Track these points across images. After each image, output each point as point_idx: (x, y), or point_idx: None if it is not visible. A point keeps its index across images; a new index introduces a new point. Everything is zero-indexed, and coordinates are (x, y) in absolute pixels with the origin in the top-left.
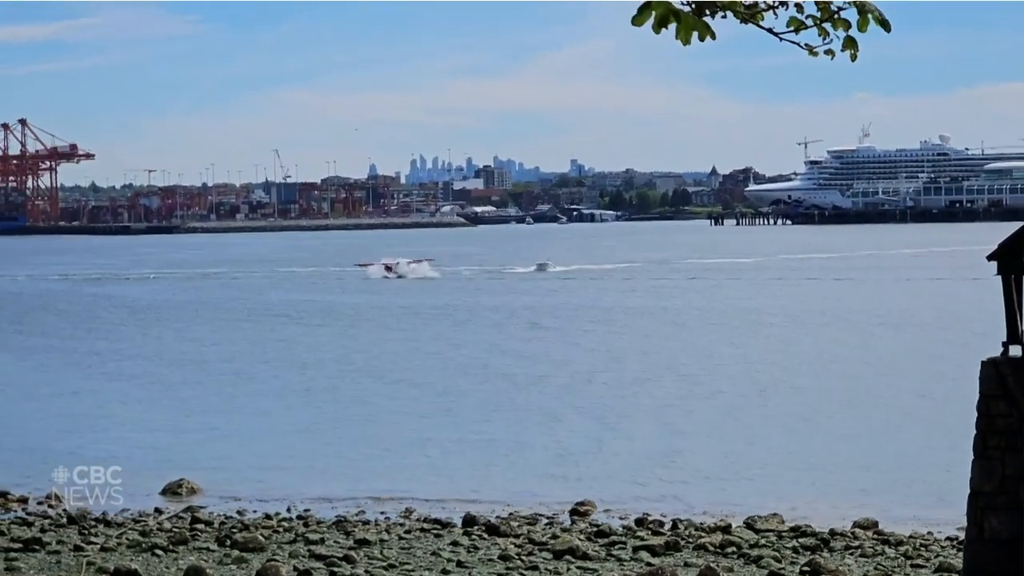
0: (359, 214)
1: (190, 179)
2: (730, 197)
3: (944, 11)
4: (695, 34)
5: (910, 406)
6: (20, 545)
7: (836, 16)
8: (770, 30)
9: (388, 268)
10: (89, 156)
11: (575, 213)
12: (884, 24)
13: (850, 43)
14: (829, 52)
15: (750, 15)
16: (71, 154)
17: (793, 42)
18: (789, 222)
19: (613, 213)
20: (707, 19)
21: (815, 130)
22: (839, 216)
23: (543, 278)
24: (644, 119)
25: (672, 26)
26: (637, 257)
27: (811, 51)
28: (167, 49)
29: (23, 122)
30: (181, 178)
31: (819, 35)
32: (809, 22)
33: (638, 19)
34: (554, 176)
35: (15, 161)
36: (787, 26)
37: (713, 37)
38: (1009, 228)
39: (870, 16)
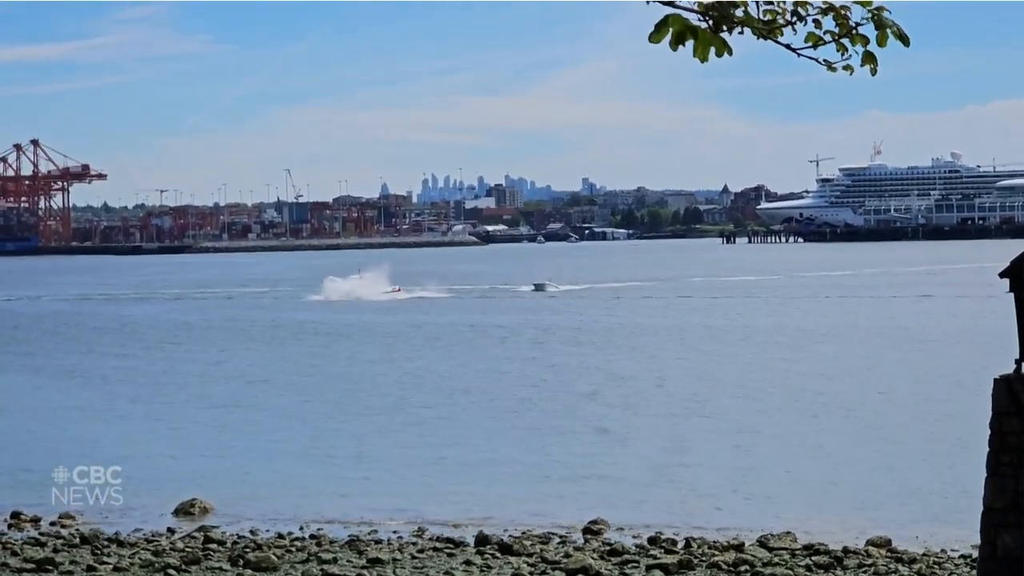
0: (371, 233)
1: (202, 199)
2: (742, 215)
3: (955, 28)
4: (712, 50)
5: (924, 424)
6: (33, 566)
7: (855, 32)
8: (788, 46)
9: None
10: (101, 176)
11: (587, 231)
12: (903, 39)
13: (869, 58)
14: (848, 68)
15: (768, 31)
16: (83, 174)
17: (812, 58)
18: (801, 240)
19: (625, 231)
20: (724, 35)
21: (827, 148)
22: (851, 234)
23: (543, 297)
24: (655, 137)
25: (689, 43)
26: (643, 275)
27: (830, 67)
28: (179, 68)
29: (35, 142)
30: (193, 198)
31: (837, 50)
32: (827, 38)
33: (656, 36)
34: (565, 195)
35: (27, 181)
36: (805, 42)
37: (730, 53)
38: (1021, 245)
39: (889, 31)
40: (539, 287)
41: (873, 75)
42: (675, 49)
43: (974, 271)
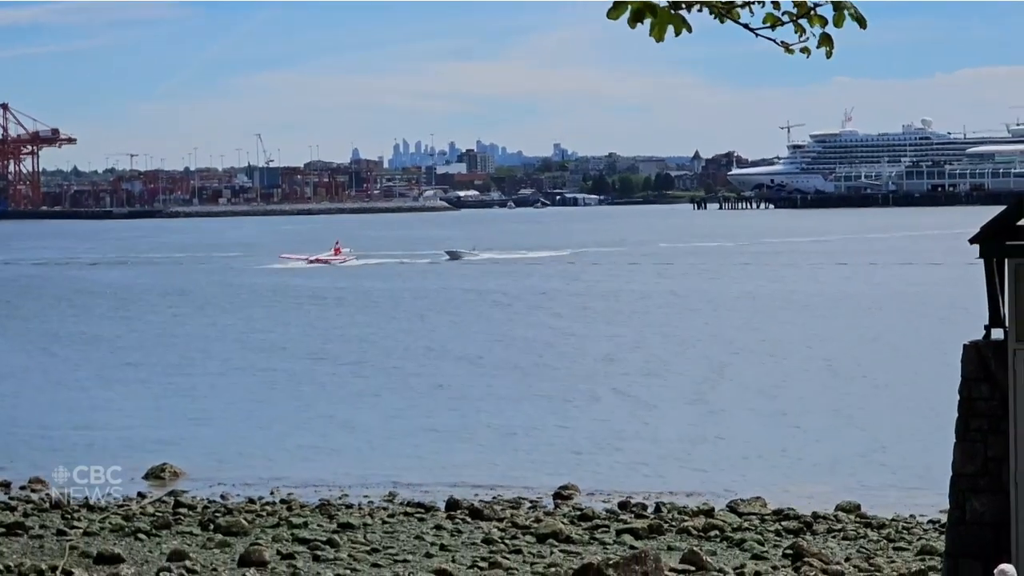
0: (342, 198)
1: (172, 163)
2: (713, 181)
3: None
4: (671, 29)
5: (893, 390)
6: (3, 530)
7: (812, 13)
8: (746, 26)
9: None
10: (71, 140)
11: (558, 197)
12: (860, 21)
13: (826, 40)
14: (805, 50)
15: (726, 11)
16: (53, 139)
17: (769, 39)
18: (772, 206)
19: (596, 197)
20: (683, 12)
21: (797, 114)
22: (822, 200)
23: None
24: (627, 104)
25: (649, 21)
26: (591, 241)
27: (787, 48)
28: (149, 33)
29: (4, 107)
30: (163, 163)
31: (795, 32)
32: (785, 18)
33: (613, 13)
34: (537, 160)
35: None
36: (763, 22)
37: (689, 31)
38: (991, 212)
39: (846, 12)
40: (453, 255)
41: (828, 57)
42: (633, 27)
43: (944, 237)
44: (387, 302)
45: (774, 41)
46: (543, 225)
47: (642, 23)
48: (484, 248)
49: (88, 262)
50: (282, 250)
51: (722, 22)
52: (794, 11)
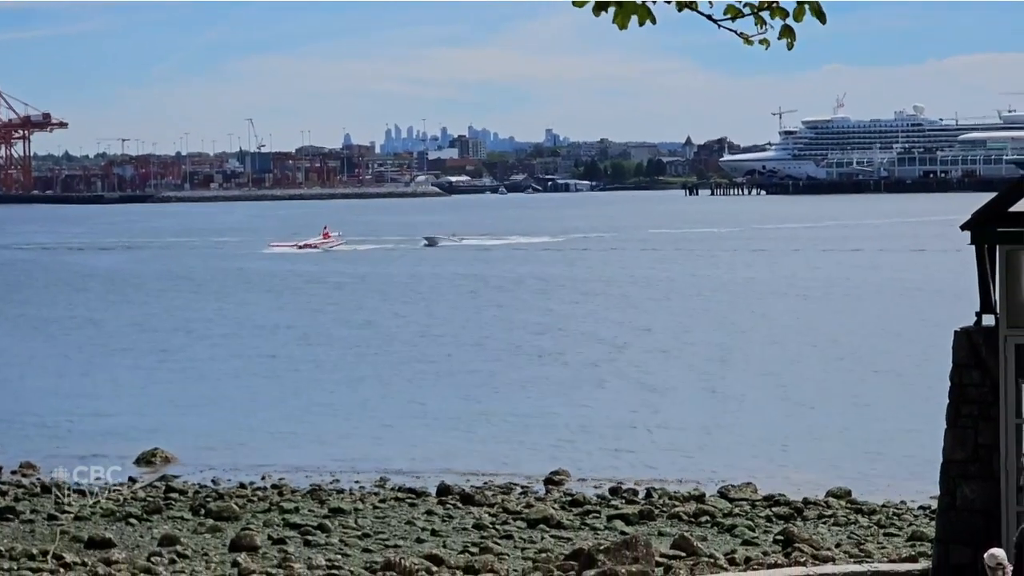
0: (333, 184)
1: (164, 148)
2: (705, 167)
3: None
4: (635, 18)
5: (883, 376)
6: None
7: (774, 4)
8: (709, 16)
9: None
10: (63, 125)
11: (549, 183)
12: (820, 16)
13: (787, 32)
14: (764, 42)
15: (687, 1)
16: (44, 123)
17: (730, 29)
18: (763, 192)
19: (587, 183)
20: (648, 4)
21: (790, 100)
22: (813, 186)
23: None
24: (619, 89)
25: (612, 9)
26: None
27: (746, 40)
28: (141, 18)
29: None
30: (155, 147)
31: (756, 23)
32: (746, 10)
33: (579, 1)
34: (529, 146)
35: None
36: (724, 13)
37: (653, 21)
38: (982, 198)
39: (806, 6)
40: (431, 241)
41: (790, 49)
42: (597, 15)
43: (936, 224)
44: (378, 287)
45: (735, 32)
46: (535, 211)
47: (606, 12)
48: (475, 234)
49: (78, 246)
50: (273, 236)
51: (679, 10)
52: (755, 2)
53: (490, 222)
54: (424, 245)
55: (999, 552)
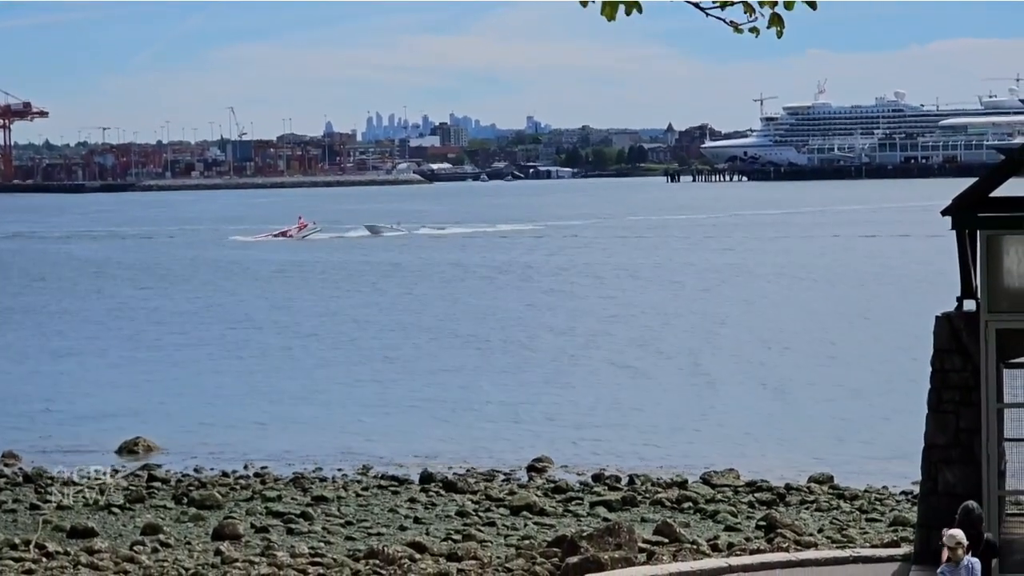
0: (315, 172)
1: (145, 137)
2: (686, 154)
3: None
4: (622, 9)
5: (865, 361)
6: None
7: None
8: (696, 5)
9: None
10: (43, 114)
11: (531, 170)
12: (811, 4)
13: (776, 20)
14: (754, 30)
15: None
16: (24, 112)
17: (719, 18)
18: (745, 179)
19: (569, 170)
20: None
21: (771, 87)
22: (795, 173)
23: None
24: (600, 76)
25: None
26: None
27: (736, 28)
28: (121, 7)
29: None
30: (136, 136)
31: (744, 12)
32: None
33: None
34: (510, 133)
35: None
36: (713, 1)
37: (639, 11)
38: (963, 184)
39: None
40: (373, 230)
41: (779, 37)
42: (585, 5)
43: (917, 209)
44: (355, 275)
45: (724, 21)
46: (510, 198)
47: (593, 2)
48: (455, 223)
49: (59, 236)
50: (260, 226)
51: None
52: None
53: (486, 211)
54: (367, 235)
55: (958, 532)
